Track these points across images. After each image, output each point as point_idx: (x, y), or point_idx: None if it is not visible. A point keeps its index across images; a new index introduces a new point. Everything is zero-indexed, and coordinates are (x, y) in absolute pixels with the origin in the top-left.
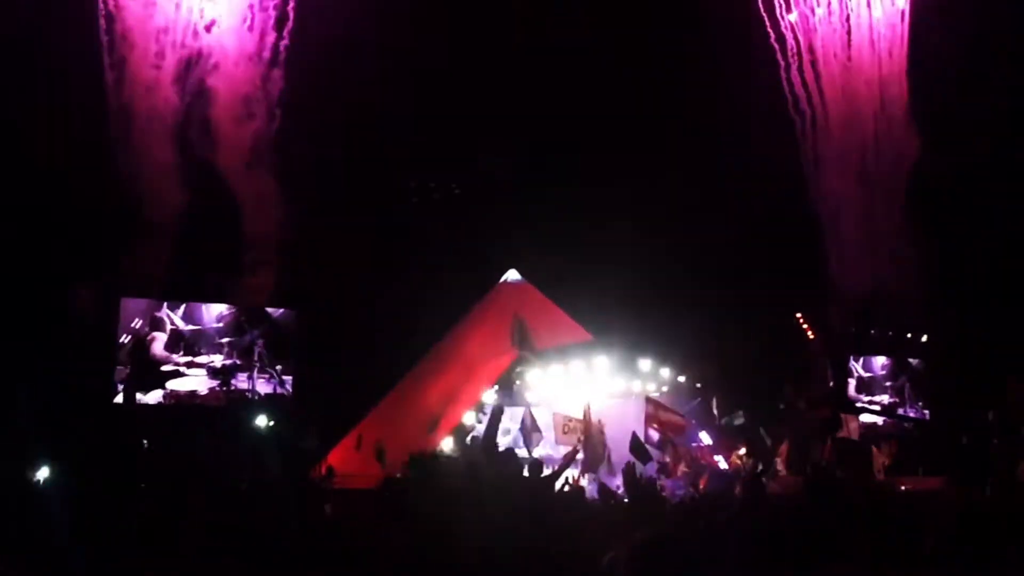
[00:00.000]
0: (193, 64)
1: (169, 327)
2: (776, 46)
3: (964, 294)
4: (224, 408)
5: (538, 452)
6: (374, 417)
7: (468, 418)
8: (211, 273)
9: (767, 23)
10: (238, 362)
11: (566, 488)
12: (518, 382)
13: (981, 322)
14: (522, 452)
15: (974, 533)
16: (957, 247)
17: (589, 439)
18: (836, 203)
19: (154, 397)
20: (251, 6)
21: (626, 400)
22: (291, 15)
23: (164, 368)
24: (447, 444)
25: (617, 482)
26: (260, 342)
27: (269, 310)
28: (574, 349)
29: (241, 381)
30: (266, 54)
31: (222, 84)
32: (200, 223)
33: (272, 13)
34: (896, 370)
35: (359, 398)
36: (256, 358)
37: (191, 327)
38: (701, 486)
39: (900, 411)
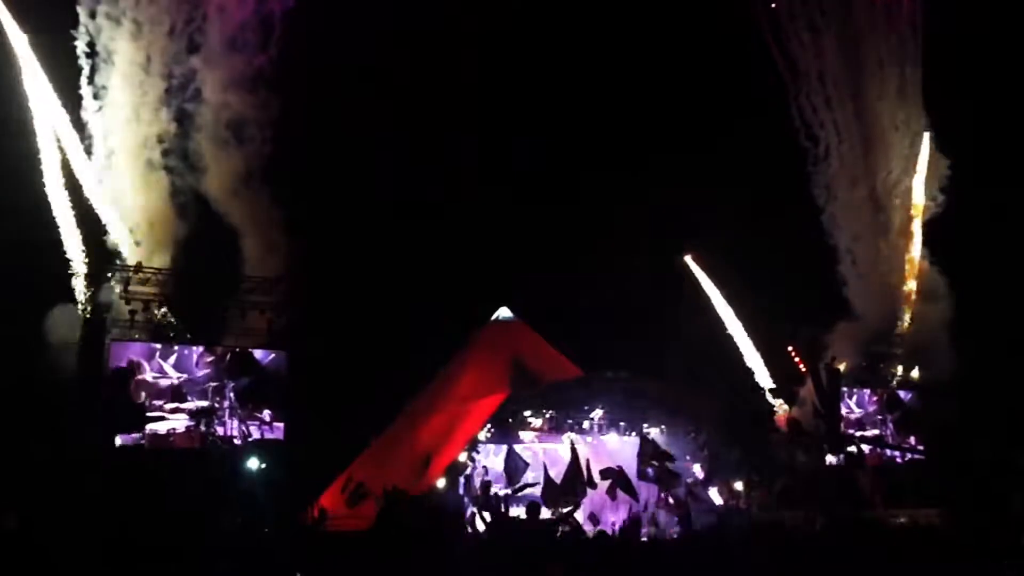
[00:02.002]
0: (185, 95)
1: (152, 373)
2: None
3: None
4: (210, 452)
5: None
6: (367, 457)
7: (462, 457)
8: (202, 317)
9: (775, 51)
10: (215, 404)
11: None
12: (511, 420)
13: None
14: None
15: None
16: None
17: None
18: (847, 234)
19: (133, 439)
20: (240, 26)
21: (622, 437)
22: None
23: (149, 414)
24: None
25: (613, 518)
26: (231, 386)
27: (259, 355)
28: (566, 386)
29: (225, 426)
30: (261, 84)
31: (212, 114)
32: (192, 266)
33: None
34: (888, 404)
35: (352, 439)
36: (227, 403)
37: (180, 374)
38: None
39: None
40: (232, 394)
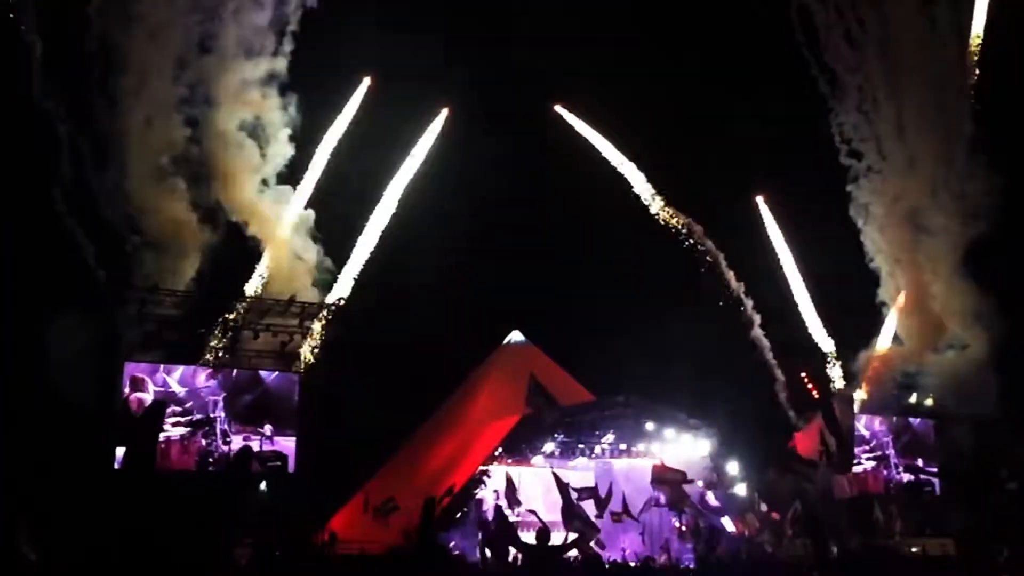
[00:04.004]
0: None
1: (155, 388)
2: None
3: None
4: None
5: (521, 512)
6: (381, 479)
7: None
8: (210, 337)
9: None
10: (212, 416)
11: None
12: (524, 444)
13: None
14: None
15: None
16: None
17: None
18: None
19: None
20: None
21: (634, 461)
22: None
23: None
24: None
25: (624, 543)
26: (223, 397)
27: (263, 374)
28: (579, 410)
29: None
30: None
31: (227, 118)
32: (209, 282)
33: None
34: (897, 429)
35: (364, 460)
36: (220, 416)
37: (183, 388)
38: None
39: (892, 468)
40: (223, 410)
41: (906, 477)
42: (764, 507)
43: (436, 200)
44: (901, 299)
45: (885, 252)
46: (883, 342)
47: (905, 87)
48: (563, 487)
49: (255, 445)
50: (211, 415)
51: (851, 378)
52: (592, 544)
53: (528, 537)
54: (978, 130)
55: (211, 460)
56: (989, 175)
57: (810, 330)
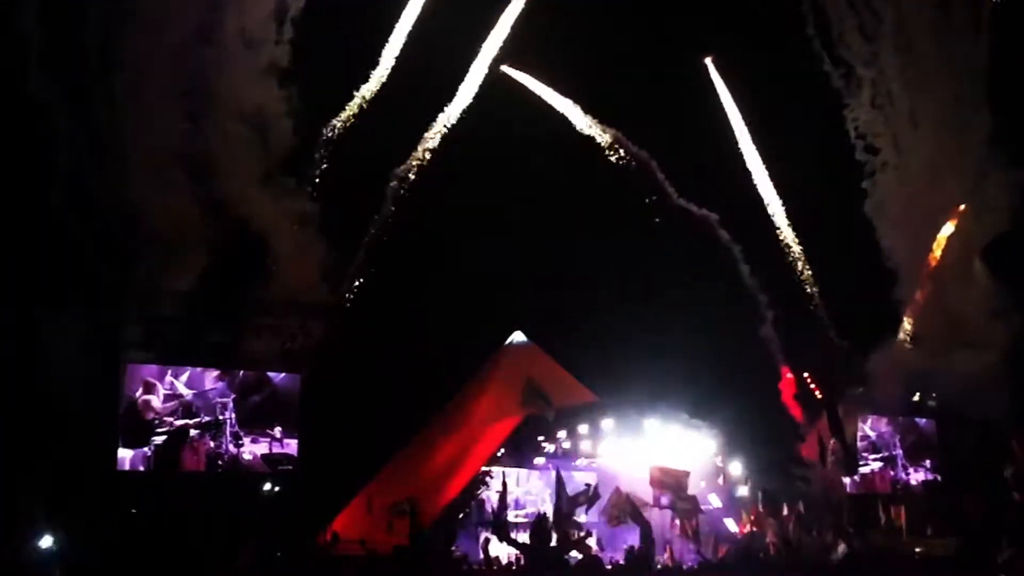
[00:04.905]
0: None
1: (164, 390)
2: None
3: None
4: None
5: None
6: (383, 480)
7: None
8: (215, 337)
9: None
10: (220, 418)
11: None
12: (526, 446)
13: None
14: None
15: None
16: None
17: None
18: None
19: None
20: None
21: (635, 462)
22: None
23: (158, 429)
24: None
25: (624, 544)
26: (232, 399)
27: (271, 374)
28: (580, 410)
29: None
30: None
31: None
32: (211, 282)
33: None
34: (903, 429)
35: (366, 461)
36: (229, 418)
37: (191, 390)
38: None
39: (900, 469)
40: (232, 413)
41: (919, 477)
42: (769, 508)
43: (433, 200)
44: (918, 297)
45: (901, 249)
46: (898, 341)
47: (921, 80)
48: (560, 488)
49: (265, 447)
50: (219, 417)
51: (861, 378)
52: (590, 543)
53: (526, 538)
54: (997, 124)
55: (220, 462)
56: (1009, 170)
57: (820, 328)
